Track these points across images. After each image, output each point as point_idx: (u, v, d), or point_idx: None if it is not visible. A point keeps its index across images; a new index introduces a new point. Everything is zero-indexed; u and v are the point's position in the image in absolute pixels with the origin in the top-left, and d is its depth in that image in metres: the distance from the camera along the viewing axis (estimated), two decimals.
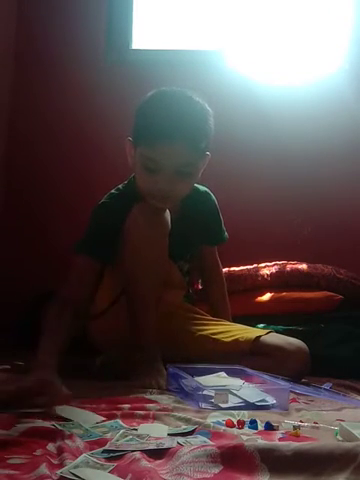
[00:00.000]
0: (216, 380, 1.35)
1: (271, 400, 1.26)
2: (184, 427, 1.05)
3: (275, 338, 1.60)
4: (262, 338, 1.58)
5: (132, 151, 1.54)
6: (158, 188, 1.49)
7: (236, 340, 1.60)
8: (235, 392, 1.27)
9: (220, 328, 1.66)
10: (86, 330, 1.64)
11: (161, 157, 1.47)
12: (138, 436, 0.98)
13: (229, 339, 1.61)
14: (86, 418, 1.07)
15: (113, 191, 1.65)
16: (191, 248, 1.76)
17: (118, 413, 1.13)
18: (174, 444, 0.91)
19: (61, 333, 1.41)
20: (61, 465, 0.83)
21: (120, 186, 1.66)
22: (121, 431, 1.01)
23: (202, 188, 1.74)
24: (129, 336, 1.54)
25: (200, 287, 1.99)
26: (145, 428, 1.04)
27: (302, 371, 1.56)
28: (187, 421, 1.09)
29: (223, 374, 1.39)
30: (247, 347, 1.57)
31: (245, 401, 1.25)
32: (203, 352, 1.57)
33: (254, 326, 1.80)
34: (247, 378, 1.38)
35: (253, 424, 1.09)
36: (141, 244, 1.49)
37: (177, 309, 1.71)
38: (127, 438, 0.97)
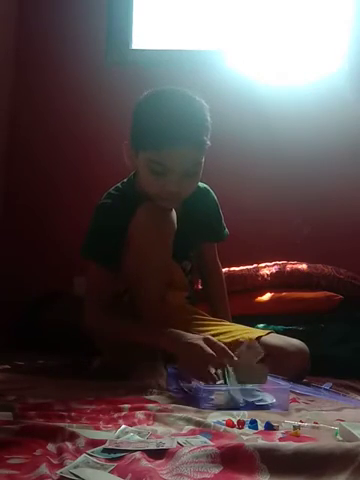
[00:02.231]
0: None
1: (270, 399, 1.26)
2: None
3: (275, 338, 1.59)
4: (263, 338, 1.58)
5: (131, 154, 1.54)
6: (167, 190, 1.49)
7: (237, 341, 1.59)
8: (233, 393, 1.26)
9: (221, 329, 1.66)
10: (87, 329, 1.63)
11: (169, 161, 1.46)
12: (139, 433, 0.99)
13: (230, 340, 1.60)
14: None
15: (112, 191, 1.64)
16: (194, 246, 1.76)
17: (118, 414, 1.13)
18: (174, 444, 0.91)
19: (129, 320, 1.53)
20: (61, 465, 0.83)
21: (119, 185, 1.65)
22: (122, 427, 1.01)
23: (202, 185, 1.73)
24: None
25: (200, 287, 1.99)
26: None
27: (302, 371, 1.56)
28: (187, 421, 1.09)
29: None
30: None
31: (244, 401, 1.24)
32: None
33: (254, 326, 1.80)
34: None
35: (253, 424, 1.09)
36: (146, 245, 1.49)
37: (178, 310, 1.70)
38: (128, 435, 0.98)
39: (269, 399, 1.26)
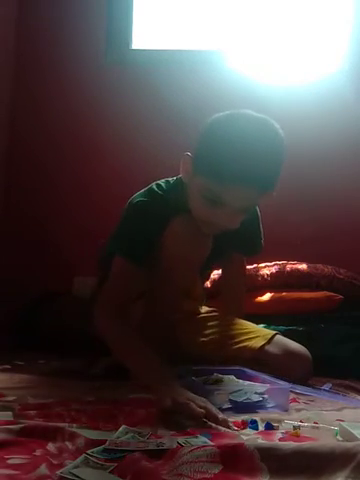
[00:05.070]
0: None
1: (256, 398, 1.25)
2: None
3: (277, 347, 1.58)
4: (266, 348, 1.58)
5: (189, 169, 1.40)
6: (215, 221, 1.38)
7: (240, 349, 1.60)
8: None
9: (227, 332, 1.67)
10: (96, 330, 1.61)
11: (229, 197, 1.32)
12: (139, 433, 0.99)
13: (233, 347, 1.61)
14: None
15: (155, 188, 1.50)
16: (222, 258, 1.72)
17: (118, 414, 1.13)
18: (174, 444, 0.91)
19: (144, 346, 1.35)
20: (61, 465, 0.83)
21: (163, 184, 1.52)
22: (122, 427, 1.01)
23: None
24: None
25: (209, 285, 1.99)
26: None
27: (305, 379, 1.56)
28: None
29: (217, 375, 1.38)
30: (250, 356, 1.58)
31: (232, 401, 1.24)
32: (207, 358, 1.58)
33: None
34: (247, 378, 1.38)
35: (253, 424, 1.09)
36: (177, 262, 1.42)
37: (188, 315, 1.71)
38: (128, 435, 0.98)
39: (255, 397, 1.25)
